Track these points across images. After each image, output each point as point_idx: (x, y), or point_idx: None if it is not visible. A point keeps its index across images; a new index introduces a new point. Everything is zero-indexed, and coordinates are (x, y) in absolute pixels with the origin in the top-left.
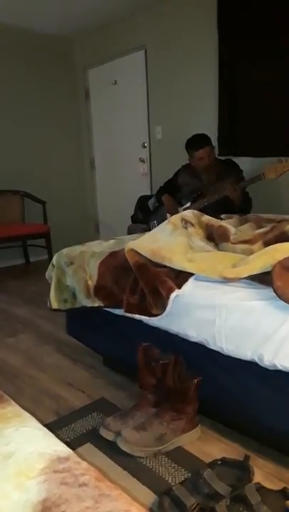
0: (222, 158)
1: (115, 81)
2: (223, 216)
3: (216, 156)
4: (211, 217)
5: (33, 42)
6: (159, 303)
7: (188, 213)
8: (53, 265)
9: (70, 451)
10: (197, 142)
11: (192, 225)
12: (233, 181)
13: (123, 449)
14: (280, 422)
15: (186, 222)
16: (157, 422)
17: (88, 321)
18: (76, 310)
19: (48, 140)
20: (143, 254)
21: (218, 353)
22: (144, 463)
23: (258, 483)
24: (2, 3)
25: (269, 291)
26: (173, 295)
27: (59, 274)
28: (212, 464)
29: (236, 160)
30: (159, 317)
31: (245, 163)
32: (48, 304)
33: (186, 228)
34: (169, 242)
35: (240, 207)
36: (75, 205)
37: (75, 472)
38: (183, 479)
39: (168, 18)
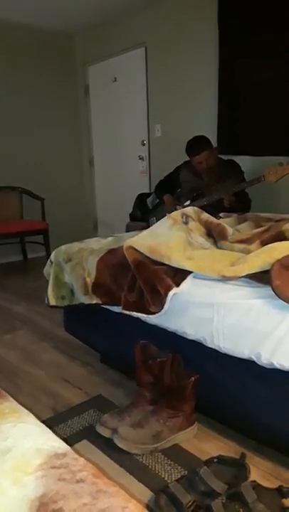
0: (224, 158)
1: (115, 78)
2: (221, 215)
3: (218, 155)
4: (209, 215)
5: (33, 38)
6: (157, 301)
7: (189, 209)
8: (51, 262)
9: (68, 447)
10: (195, 148)
11: (193, 219)
12: (233, 182)
13: (120, 446)
14: (276, 421)
15: (186, 217)
16: (154, 419)
17: (86, 318)
18: (74, 307)
19: (47, 136)
20: (142, 251)
21: (215, 351)
22: (141, 460)
23: (254, 481)
24: None
25: (267, 290)
26: (171, 293)
27: (57, 271)
28: (208, 462)
29: (236, 159)
30: (156, 315)
31: (246, 163)
32: (46, 300)
33: (186, 224)
34: (167, 237)
35: (238, 208)
36: (74, 202)
37: (72, 468)
38: (179, 477)
39: (168, 16)
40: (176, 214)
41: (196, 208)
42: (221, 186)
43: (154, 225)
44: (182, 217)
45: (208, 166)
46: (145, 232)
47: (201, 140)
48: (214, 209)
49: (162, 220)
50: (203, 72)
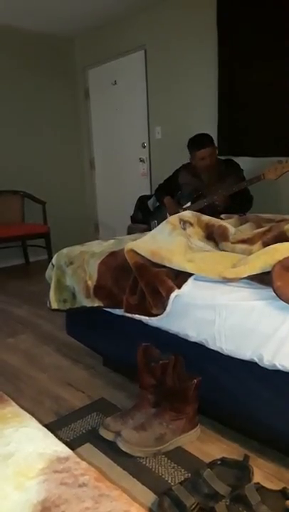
0: (223, 158)
1: (115, 81)
2: (222, 216)
3: (217, 156)
4: (210, 217)
5: (33, 42)
6: (159, 303)
7: (187, 213)
8: (53, 265)
9: (70, 451)
10: (200, 142)
11: (191, 224)
12: (233, 182)
13: (123, 449)
14: (279, 422)
15: (184, 223)
16: (157, 422)
17: (88, 321)
18: (76, 310)
19: (47, 140)
20: (143, 254)
21: (217, 353)
22: (144, 463)
23: (258, 483)
24: (2, 3)
25: (269, 291)
26: (173, 295)
27: (59, 274)
28: (212, 464)
29: (236, 160)
30: (158, 317)
31: (246, 163)
32: (48, 304)
33: (184, 229)
34: (168, 242)
35: (238, 208)
36: (75, 205)
37: (74, 472)
38: (182, 479)
39: (168, 18)
40: (174, 219)
41: (194, 212)
42: (221, 186)
43: (153, 231)
44: (180, 222)
45: (211, 162)
46: (146, 237)
47: (205, 136)
48: (214, 211)
49: (161, 226)
50: (203, 74)
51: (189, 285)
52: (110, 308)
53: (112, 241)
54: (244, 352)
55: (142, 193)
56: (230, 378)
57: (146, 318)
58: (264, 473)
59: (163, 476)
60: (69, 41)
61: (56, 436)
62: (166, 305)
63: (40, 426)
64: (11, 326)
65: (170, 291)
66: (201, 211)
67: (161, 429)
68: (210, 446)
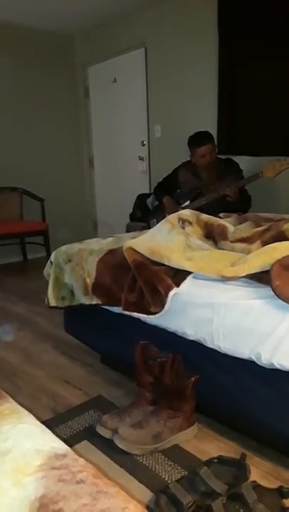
0: (222, 157)
1: (115, 79)
2: (221, 215)
3: (217, 156)
4: (209, 216)
5: (33, 39)
6: (157, 301)
7: (186, 212)
8: (51, 262)
9: (68, 448)
10: (200, 139)
11: (190, 223)
12: (232, 181)
13: (120, 446)
14: (277, 421)
15: (183, 222)
16: (154, 419)
17: (86, 319)
18: (74, 307)
19: (47, 137)
20: (141, 252)
21: (215, 351)
22: (141, 461)
23: (255, 481)
24: (2, 0)
25: (267, 290)
26: (171, 293)
27: (57, 272)
28: (209, 462)
29: (235, 159)
30: (157, 315)
31: (244, 162)
32: (46, 301)
33: (183, 228)
34: (167, 240)
35: (239, 206)
36: (74, 202)
37: (72, 469)
38: (179, 477)
39: (168, 16)
40: (173, 217)
41: (193, 211)
42: (220, 185)
43: (152, 229)
44: (179, 221)
45: (211, 159)
46: (145, 235)
47: (205, 133)
48: (214, 209)
49: (160, 224)
50: (203, 73)
51: (188, 283)
52: (108, 306)
53: (111, 239)
54: (242, 351)
55: (141, 191)
56: (228, 377)
57: (145, 316)
58: (261, 472)
59: (160, 474)
60: (69, 38)
61: (53, 433)
62: (165, 303)
63: (37, 422)
64: (9, 322)
65: (168, 289)
66: (200, 210)
67: (159, 426)
68: (207, 445)
